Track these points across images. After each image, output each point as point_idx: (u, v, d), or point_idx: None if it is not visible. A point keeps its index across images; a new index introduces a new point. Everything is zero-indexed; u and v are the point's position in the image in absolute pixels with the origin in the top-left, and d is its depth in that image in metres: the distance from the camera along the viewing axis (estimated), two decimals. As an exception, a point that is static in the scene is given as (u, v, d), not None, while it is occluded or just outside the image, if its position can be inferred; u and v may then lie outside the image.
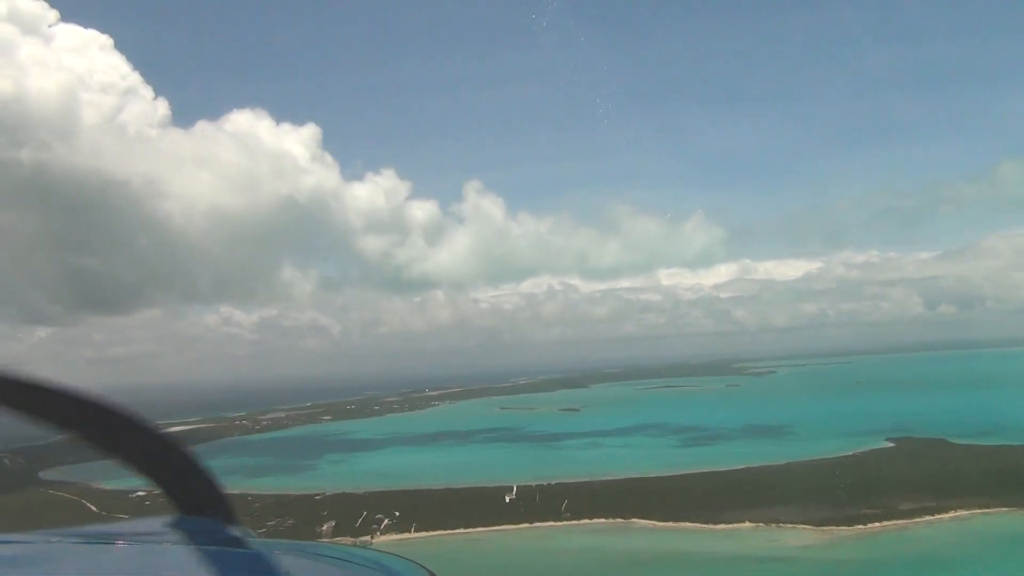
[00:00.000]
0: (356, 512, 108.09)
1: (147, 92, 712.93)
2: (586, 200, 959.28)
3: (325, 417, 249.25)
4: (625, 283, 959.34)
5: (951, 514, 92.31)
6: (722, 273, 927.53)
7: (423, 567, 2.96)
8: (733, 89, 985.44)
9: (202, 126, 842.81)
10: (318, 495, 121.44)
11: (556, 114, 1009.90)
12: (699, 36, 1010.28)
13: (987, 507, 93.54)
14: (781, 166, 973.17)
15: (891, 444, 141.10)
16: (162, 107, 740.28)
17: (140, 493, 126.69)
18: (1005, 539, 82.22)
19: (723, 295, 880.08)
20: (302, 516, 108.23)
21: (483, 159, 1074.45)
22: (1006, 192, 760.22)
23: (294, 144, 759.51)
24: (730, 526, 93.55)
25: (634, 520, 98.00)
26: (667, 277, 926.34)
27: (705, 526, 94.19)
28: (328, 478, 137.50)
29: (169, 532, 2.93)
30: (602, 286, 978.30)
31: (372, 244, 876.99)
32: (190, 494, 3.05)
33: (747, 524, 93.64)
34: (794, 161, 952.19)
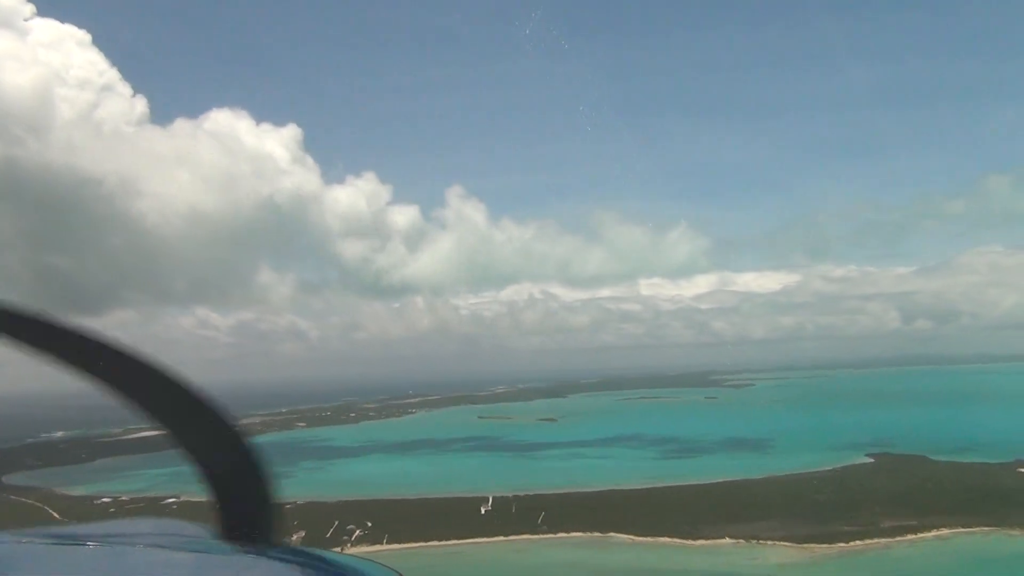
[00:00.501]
0: (327, 522, 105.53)
1: (125, 89, 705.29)
2: (569, 209, 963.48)
3: (300, 424, 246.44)
4: (605, 292, 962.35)
5: (933, 533, 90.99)
6: (701, 284, 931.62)
7: (398, 573, 2.89)
8: (718, 102, 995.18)
9: (180, 124, 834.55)
10: (288, 504, 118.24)
11: (541, 122, 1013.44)
12: (686, 49, 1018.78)
13: (969, 526, 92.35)
14: (763, 179, 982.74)
15: (870, 459, 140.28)
16: (140, 104, 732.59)
17: (106, 499, 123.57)
18: (988, 560, 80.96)
19: (702, 306, 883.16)
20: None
21: (466, 165, 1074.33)
22: (986, 208, 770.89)
23: (274, 145, 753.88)
24: (710, 542, 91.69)
25: (612, 534, 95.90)
26: (647, 287, 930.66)
27: (684, 541, 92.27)
28: (300, 486, 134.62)
29: (144, 534, 2.91)
30: (583, 295, 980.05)
31: (352, 248, 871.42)
32: (240, 510, 2.95)
33: (727, 540, 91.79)
34: (776, 174, 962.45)
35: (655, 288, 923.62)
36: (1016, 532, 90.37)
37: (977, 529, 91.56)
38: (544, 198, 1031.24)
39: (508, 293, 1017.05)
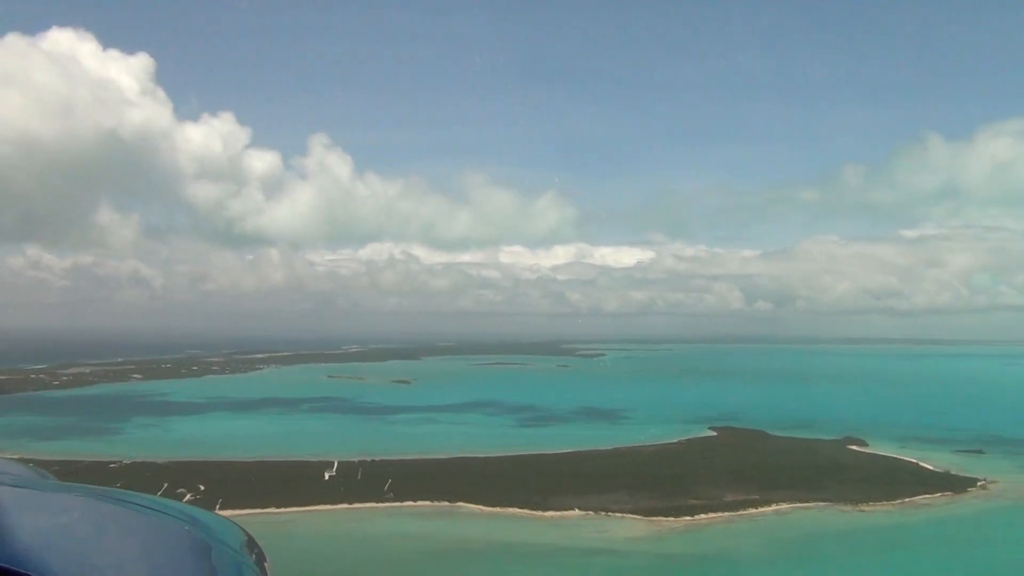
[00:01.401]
0: (155, 484, 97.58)
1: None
2: (438, 169, 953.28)
3: (135, 375, 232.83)
4: (467, 257, 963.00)
5: (772, 507, 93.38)
6: (560, 255, 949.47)
7: (239, 526, 2.84)
8: (593, 78, 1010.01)
9: (14, 40, 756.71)
10: (114, 463, 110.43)
11: (416, 79, 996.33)
12: (566, 23, 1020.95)
13: (805, 501, 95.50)
14: (629, 157, 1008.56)
15: (714, 433, 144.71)
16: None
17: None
18: (823, 535, 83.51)
19: (560, 277, 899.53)
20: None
21: (333, 114, 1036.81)
22: (829, 200, 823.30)
23: (121, 73, 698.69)
24: (559, 514, 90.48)
25: (460, 504, 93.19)
26: (507, 255, 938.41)
27: (534, 513, 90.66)
28: (130, 444, 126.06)
29: None
30: (444, 258, 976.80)
31: (204, 192, 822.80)
32: None
33: (576, 512, 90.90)
34: (641, 153, 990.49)
35: (515, 256, 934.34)
36: (847, 508, 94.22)
37: (812, 504, 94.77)
38: (414, 156, 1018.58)
39: (368, 252, 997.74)
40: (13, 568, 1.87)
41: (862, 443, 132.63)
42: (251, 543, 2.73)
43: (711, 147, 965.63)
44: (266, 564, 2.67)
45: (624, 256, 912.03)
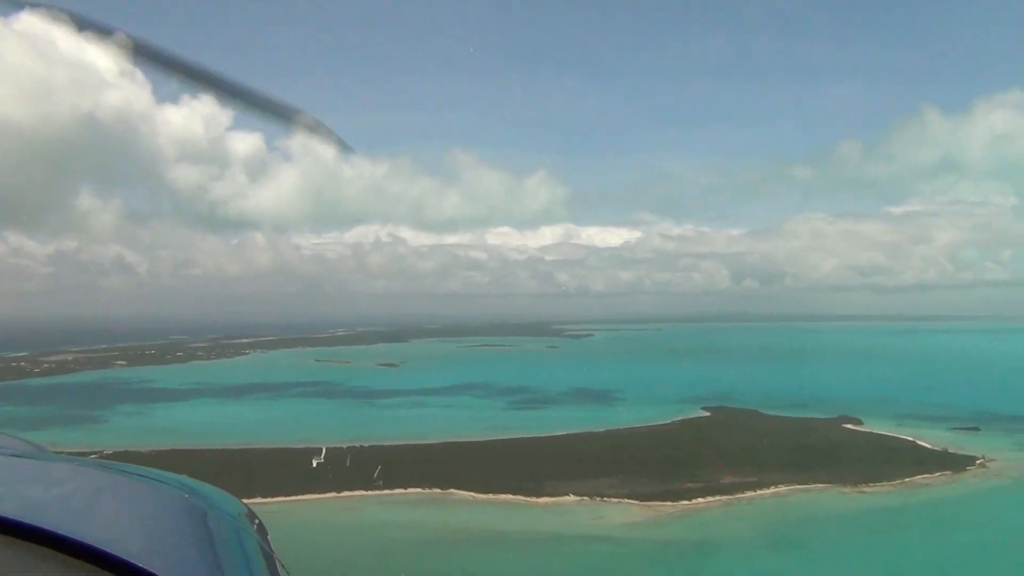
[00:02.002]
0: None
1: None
2: (425, 150, 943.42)
3: (119, 362, 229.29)
4: (454, 239, 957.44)
5: (771, 490, 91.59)
6: (547, 236, 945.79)
7: (239, 500, 2.90)
8: (582, 60, 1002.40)
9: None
10: (95, 453, 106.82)
11: (404, 59, 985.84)
12: (557, 2, 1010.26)
13: (805, 483, 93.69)
14: (618, 139, 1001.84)
15: (707, 413, 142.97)
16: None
17: None
18: (825, 518, 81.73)
19: (547, 257, 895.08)
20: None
21: (317, 94, 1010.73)
22: (815, 179, 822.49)
23: (98, 54, 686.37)
24: (553, 499, 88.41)
25: (452, 491, 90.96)
26: (495, 236, 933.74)
27: (528, 499, 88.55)
28: (113, 432, 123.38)
29: None
30: (431, 240, 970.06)
31: (186, 175, 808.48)
32: None
33: (571, 497, 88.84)
34: (631, 135, 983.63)
35: (503, 237, 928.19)
36: (847, 489, 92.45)
37: (812, 486, 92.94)
38: (400, 137, 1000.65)
39: (354, 234, 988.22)
40: (32, 524, 1.86)
41: (857, 421, 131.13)
42: (251, 515, 2.74)
43: (700, 127, 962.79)
44: (268, 536, 2.64)
45: (612, 236, 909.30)
